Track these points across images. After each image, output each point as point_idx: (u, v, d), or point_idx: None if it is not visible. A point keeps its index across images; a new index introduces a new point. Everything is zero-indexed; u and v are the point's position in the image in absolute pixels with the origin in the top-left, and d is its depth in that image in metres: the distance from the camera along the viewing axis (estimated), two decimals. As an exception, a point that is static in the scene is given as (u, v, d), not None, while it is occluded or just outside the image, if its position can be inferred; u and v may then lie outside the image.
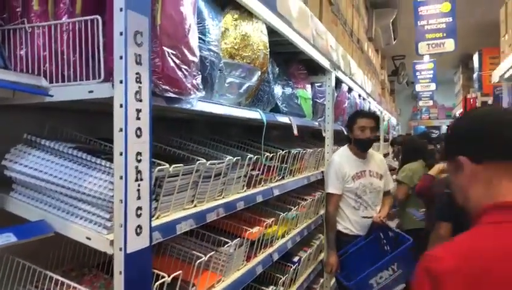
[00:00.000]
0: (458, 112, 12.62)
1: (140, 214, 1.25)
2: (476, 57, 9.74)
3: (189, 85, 1.53)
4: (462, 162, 1.07)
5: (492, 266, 0.92)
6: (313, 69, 3.67)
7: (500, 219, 1.00)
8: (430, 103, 15.37)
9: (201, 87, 1.66)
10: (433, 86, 11.94)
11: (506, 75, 5.78)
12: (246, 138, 2.78)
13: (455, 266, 0.94)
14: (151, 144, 1.29)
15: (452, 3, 6.37)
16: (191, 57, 1.55)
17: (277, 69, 2.90)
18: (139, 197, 1.24)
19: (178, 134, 2.37)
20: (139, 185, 1.24)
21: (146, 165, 1.27)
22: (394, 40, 9.26)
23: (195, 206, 1.79)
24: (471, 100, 9.40)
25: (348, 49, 4.78)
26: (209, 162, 1.80)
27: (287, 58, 3.33)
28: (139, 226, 1.26)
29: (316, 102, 3.74)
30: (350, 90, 4.92)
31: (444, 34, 6.39)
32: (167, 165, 1.50)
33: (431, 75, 11.58)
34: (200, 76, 1.66)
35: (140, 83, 1.24)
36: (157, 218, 1.53)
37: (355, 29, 5.35)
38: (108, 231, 1.27)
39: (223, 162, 1.94)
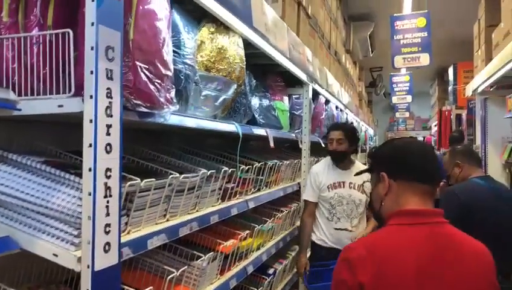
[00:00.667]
0: (434, 123, 12.86)
1: (109, 231, 1.24)
2: (451, 71, 9.97)
3: (162, 99, 1.53)
4: (384, 177, 1.44)
5: (390, 254, 1.29)
6: (291, 81, 3.69)
7: (401, 221, 1.37)
8: (407, 114, 15.63)
9: (175, 101, 1.65)
10: (409, 98, 12.14)
11: (479, 90, 5.94)
12: (223, 149, 2.78)
13: (364, 254, 1.29)
14: (121, 160, 1.28)
15: (427, 18, 6.51)
16: (164, 71, 1.54)
17: (254, 81, 2.91)
18: (108, 214, 1.23)
19: (152, 145, 2.35)
20: (108, 202, 1.22)
21: (116, 181, 1.25)
22: (372, 52, 9.42)
23: (167, 220, 1.77)
24: (446, 113, 9.59)
25: (326, 62, 4.83)
26: (182, 175, 1.78)
27: (265, 70, 3.35)
28: (108, 243, 1.24)
29: (293, 114, 3.76)
30: (327, 101, 4.97)
31: (420, 49, 6.50)
32: (138, 180, 1.48)
33: (407, 88, 11.77)
34: (174, 90, 1.66)
35: (111, 98, 1.23)
36: (128, 233, 1.51)
37: (333, 42, 5.42)
38: (76, 247, 1.24)
39: (197, 176, 1.93)
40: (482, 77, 5.55)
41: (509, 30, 4.33)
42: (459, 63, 9.46)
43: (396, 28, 6.54)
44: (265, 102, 3.10)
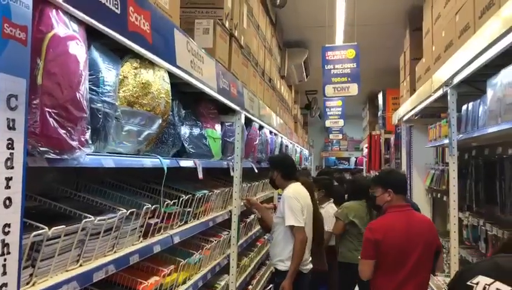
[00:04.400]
0: (365, 145, 13.39)
1: (6, 291, 1.15)
2: (380, 97, 10.45)
3: (75, 143, 1.46)
4: (389, 190, 3.13)
5: (391, 224, 3.06)
6: (224, 108, 3.69)
7: (392, 210, 3.11)
8: (340, 136, 16.27)
9: (90, 142, 1.59)
10: (341, 122, 12.60)
11: (405, 118, 6.25)
12: (153, 177, 2.70)
13: (379, 224, 3.14)
14: (23, 213, 1.20)
15: (357, 50, 6.82)
16: (78, 114, 1.48)
17: (183, 111, 2.87)
18: (4, 273, 1.14)
19: (71, 180, 2.25)
20: (5, 260, 1.14)
21: (15, 237, 1.17)
22: (306, 77, 9.68)
23: (80, 265, 1.68)
24: (376, 137, 10.02)
25: (259, 89, 4.89)
26: (97, 218, 1.71)
27: (197, 97, 3.32)
28: (3, 305, 1.15)
29: (226, 141, 3.75)
30: (261, 127, 5.02)
31: (349, 79, 6.81)
32: (46, 229, 1.40)
33: (340, 112, 12.20)
34: (90, 131, 1.60)
35: (13, 149, 1.15)
36: (33, 285, 1.42)
37: (267, 69, 5.51)
38: (-33, 309, 1.15)
39: (115, 216, 1.86)
40: (407, 107, 5.86)
41: (430, 66, 4.62)
42: (387, 90, 9.93)
43: (327, 58, 6.80)
44: (196, 131, 3.06)
